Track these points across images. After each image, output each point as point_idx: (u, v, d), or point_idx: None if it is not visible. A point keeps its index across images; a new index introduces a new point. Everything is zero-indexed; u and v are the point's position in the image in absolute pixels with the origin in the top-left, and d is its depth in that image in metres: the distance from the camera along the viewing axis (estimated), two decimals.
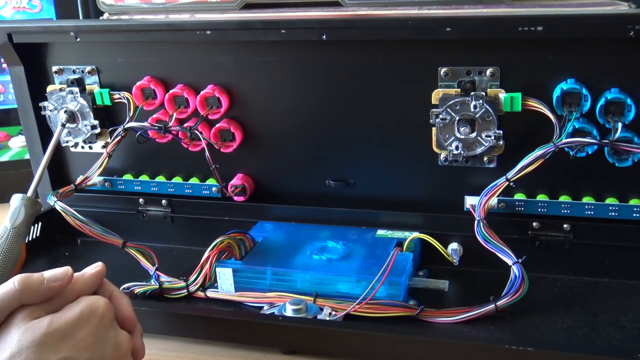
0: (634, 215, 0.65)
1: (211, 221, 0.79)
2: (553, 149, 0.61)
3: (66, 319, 0.44)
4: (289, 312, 0.61)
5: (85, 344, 0.44)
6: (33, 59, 0.79)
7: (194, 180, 0.79)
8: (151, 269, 0.68)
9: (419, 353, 0.56)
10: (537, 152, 0.61)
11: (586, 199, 0.66)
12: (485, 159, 0.67)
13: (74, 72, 0.79)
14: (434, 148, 0.68)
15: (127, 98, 0.75)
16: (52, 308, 0.46)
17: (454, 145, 0.66)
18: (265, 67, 0.72)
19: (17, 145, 1.13)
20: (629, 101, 0.61)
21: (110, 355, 0.46)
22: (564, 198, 0.67)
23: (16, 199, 0.71)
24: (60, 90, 0.78)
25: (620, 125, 0.61)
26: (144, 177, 0.81)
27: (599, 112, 0.62)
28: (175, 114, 0.74)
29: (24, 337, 0.42)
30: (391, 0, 0.74)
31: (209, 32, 0.70)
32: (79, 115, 0.78)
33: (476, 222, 0.64)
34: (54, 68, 0.79)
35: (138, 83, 0.75)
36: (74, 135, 0.80)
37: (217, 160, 0.73)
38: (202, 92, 0.73)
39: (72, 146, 0.82)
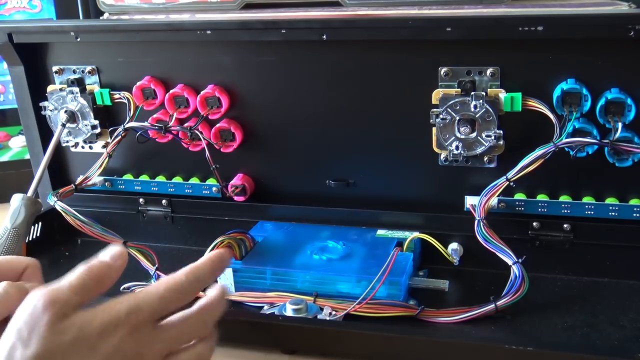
0: (634, 215, 0.65)
1: (211, 221, 0.79)
2: (553, 148, 0.61)
3: (97, 325, 0.42)
4: (289, 312, 0.61)
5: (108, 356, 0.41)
6: (33, 59, 0.79)
7: (194, 180, 0.79)
8: (151, 268, 0.68)
9: (419, 353, 0.56)
10: (538, 152, 0.61)
11: (586, 199, 0.66)
12: (486, 158, 0.67)
13: (74, 72, 0.79)
14: (434, 148, 0.68)
15: (128, 98, 0.75)
16: (81, 299, 0.43)
17: (454, 145, 0.66)
18: (265, 67, 0.72)
19: (17, 145, 1.13)
20: (629, 101, 0.61)
21: None
22: (564, 198, 0.67)
23: (16, 199, 0.71)
24: (61, 90, 0.78)
25: (620, 125, 0.61)
26: (144, 177, 0.81)
27: (599, 112, 0.62)
28: (175, 114, 0.74)
29: (54, 340, 0.40)
30: (391, 0, 0.74)
31: (209, 32, 0.70)
32: (79, 115, 0.78)
33: (476, 222, 0.64)
34: (54, 68, 0.79)
35: (138, 83, 0.75)
36: (74, 135, 0.80)
37: (217, 160, 0.73)
38: (202, 92, 0.73)
39: (72, 146, 0.82)
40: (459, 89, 0.65)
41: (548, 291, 0.66)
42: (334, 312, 0.62)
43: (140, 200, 0.81)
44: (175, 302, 0.46)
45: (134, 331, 0.43)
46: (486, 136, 0.65)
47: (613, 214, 0.65)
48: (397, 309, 0.61)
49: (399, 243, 0.68)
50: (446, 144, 0.67)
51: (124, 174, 0.82)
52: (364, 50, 0.68)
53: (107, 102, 0.77)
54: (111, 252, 0.47)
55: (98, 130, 0.78)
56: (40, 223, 0.81)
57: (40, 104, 0.79)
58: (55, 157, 0.81)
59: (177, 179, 0.80)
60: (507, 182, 0.63)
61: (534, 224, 0.68)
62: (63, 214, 0.68)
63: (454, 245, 0.70)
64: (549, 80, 0.63)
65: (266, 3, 0.80)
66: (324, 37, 0.67)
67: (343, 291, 0.64)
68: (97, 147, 0.81)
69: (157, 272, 0.68)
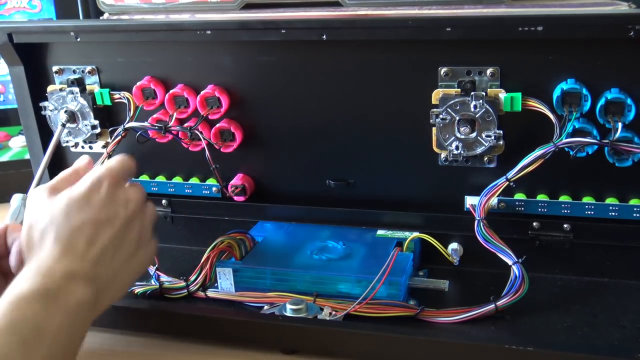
0: (634, 215, 0.65)
1: (211, 221, 0.79)
2: (553, 149, 0.61)
3: (82, 189, 0.54)
4: (289, 312, 0.61)
5: (100, 204, 0.54)
6: (33, 59, 0.79)
7: (194, 180, 0.79)
8: (151, 268, 0.68)
9: (419, 353, 0.56)
10: (537, 152, 0.61)
11: (586, 199, 0.66)
12: (485, 159, 0.67)
13: (74, 72, 0.79)
14: (434, 148, 0.68)
15: (127, 98, 0.75)
16: (67, 185, 0.56)
17: (454, 145, 0.66)
18: (265, 67, 0.72)
19: (17, 145, 1.13)
20: (629, 101, 0.61)
21: (123, 211, 0.55)
22: (564, 198, 0.67)
23: (16, 199, 0.71)
24: (61, 90, 0.78)
25: (620, 125, 0.61)
26: (144, 177, 0.81)
27: (599, 112, 0.62)
28: (175, 114, 0.74)
29: (53, 209, 0.53)
30: (391, 0, 0.74)
31: (209, 32, 0.70)
32: (79, 115, 0.78)
33: (476, 222, 0.64)
34: (54, 68, 0.79)
35: (138, 83, 0.75)
36: (74, 135, 0.80)
37: (217, 160, 0.73)
38: (202, 92, 0.73)
39: (72, 146, 0.82)
40: (459, 89, 0.65)
41: (548, 291, 0.66)
42: (334, 312, 0.62)
43: None
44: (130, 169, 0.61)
45: (115, 183, 0.56)
46: (486, 136, 0.65)
47: (613, 214, 0.65)
48: (397, 309, 0.61)
49: (399, 243, 0.69)
50: (446, 144, 0.67)
51: None
52: (364, 50, 0.68)
53: (107, 102, 0.77)
54: (78, 162, 0.62)
55: (98, 130, 0.78)
56: None
57: (40, 104, 0.79)
58: (55, 157, 0.80)
59: (177, 179, 0.80)
60: (507, 182, 0.63)
61: (534, 224, 0.68)
62: None
63: (454, 245, 0.70)
64: (549, 80, 0.63)
65: (266, 3, 0.80)
66: (324, 37, 0.67)
67: (343, 291, 0.64)
68: (97, 147, 0.81)
69: (157, 272, 0.68)
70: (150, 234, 0.59)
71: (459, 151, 0.66)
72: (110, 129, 0.79)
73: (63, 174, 0.59)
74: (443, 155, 0.68)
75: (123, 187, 0.57)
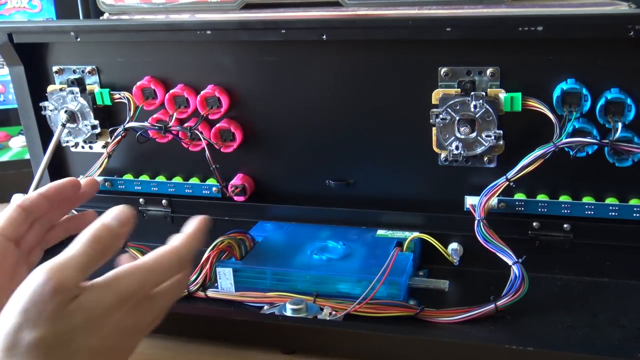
0: (634, 215, 0.64)
1: (211, 221, 0.79)
2: (553, 148, 0.61)
3: (101, 308, 0.42)
4: (289, 312, 0.61)
5: (108, 333, 0.43)
6: (33, 59, 0.79)
7: (194, 180, 0.79)
8: None
9: (419, 353, 0.56)
10: (537, 152, 0.61)
11: (586, 199, 0.66)
12: (485, 159, 0.67)
13: (74, 72, 0.79)
14: (434, 148, 0.68)
15: (128, 98, 0.75)
16: (87, 275, 0.42)
17: (454, 145, 0.66)
18: (265, 67, 0.72)
19: (17, 145, 1.13)
20: (629, 101, 0.61)
21: (129, 343, 0.46)
22: (564, 198, 0.67)
23: (16, 199, 0.71)
24: (61, 90, 0.78)
25: (620, 125, 0.61)
26: (144, 177, 0.81)
27: (599, 112, 0.62)
28: (175, 114, 0.74)
29: (63, 323, 0.40)
30: (391, 0, 0.74)
31: (209, 32, 0.70)
32: (79, 115, 0.78)
33: (476, 222, 0.64)
34: (54, 68, 0.79)
35: (138, 83, 0.75)
36: (74, 135, 0.80)
37: (217, 160, 0.73)
38: (202, 92, 0.73)
39: (72, 146, 0.82)
40: (459, 89, 0.65)
41: (548, 291, 0.66)
42: (334, 312, 0.62)
43: (140, 200, 0.81)
44: (175, 274, 0.48)
45: (135, 306, 0.44)
46: (486, 136, 0.65)
47: (613, 214, 0.65)
48: (397, 309, 0.61)
49: (399, 243, 0.69)
50: (446, 144, 0.67)
51: (124, 174, 0.82)
52: (364, 50, 0.68)
53: (107, 102, 0.77)
54: (119, 216, 0.46)
55: (98, 130, 0.78)
56: None
57: (40, 104, 0.79)
58: (55, 157, 0.80)
59: (177, 179, 0.80)
60: (507, 182, 0.63)
61: (534, 224, 0.68)
62: None
63: (454, 245, 0.70)
64: (549, 80, 0.63)
65: (266, 3, 0.80)
66: (324, 37, 0.67)
67: (343, 291, 0.64)
68: (97, 147, 0.81)
69: None
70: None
71: (459, 151, 0.66)
72: (110, 129, 0.79)
73: (91, 247, 0.43)
74: (443, 155, 0.68)
75: (144, 308, 0.46)
